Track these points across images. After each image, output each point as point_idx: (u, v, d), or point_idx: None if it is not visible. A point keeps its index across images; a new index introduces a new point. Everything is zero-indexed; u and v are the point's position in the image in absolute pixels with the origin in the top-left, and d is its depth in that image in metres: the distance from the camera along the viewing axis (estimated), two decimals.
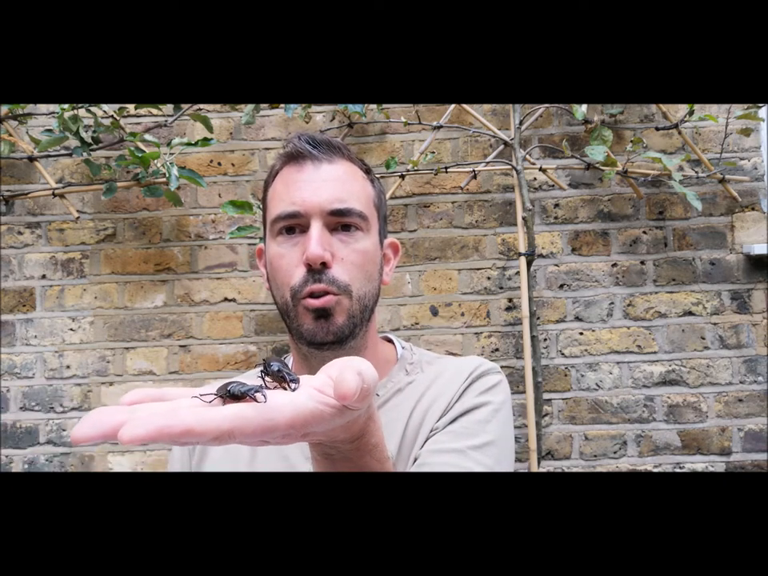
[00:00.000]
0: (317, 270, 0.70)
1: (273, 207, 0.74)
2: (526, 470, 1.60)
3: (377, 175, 0.81)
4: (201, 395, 0.40)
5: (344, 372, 0.39)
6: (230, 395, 0.38)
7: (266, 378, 0.42)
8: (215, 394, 0.39)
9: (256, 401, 0.37)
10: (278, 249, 0.73)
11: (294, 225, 0.72)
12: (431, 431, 0.71)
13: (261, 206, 0.81)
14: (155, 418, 0.33)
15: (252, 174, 1.74)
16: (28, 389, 1.71)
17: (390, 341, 0.84)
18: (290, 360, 0.83)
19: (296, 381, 0.40)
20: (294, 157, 0.73)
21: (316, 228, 0.70)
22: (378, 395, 0.64)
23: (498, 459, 0.69)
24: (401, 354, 0.81)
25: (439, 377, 0.76)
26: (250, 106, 1.62)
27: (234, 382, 0.39)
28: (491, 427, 0.71)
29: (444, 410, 0.72)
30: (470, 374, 0.74)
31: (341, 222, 0.72)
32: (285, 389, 0.40)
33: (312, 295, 0.70)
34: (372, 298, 0.75)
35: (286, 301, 0.73)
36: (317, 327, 0.71)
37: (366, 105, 1.62)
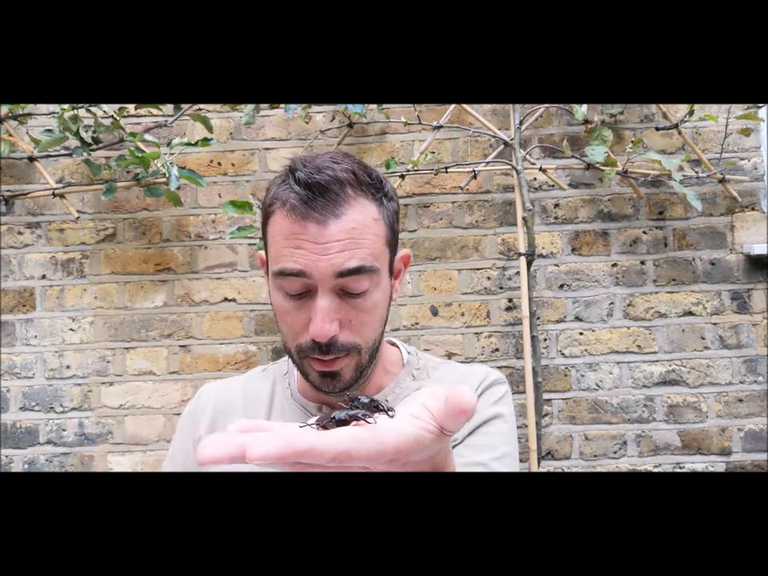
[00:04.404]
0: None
1: (274, 254, 0.67)
2: (526, 470, 1.60)
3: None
4: (305, 425, 0.41)
5: (455, 387, 0.39)
6: (336, 422, 0.40)
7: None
8: (318, 424, 0.41)
9: (367, 422, 0.38)
10: (283, 302, 0.67)
11: (300, 287, 0.65)
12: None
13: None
14: (279, 436, 0.34)
15: (252, 174, 1.74)
16: (28, 389, 1.71)
17: (393, 344, 0.83)
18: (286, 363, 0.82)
19: (392, 409, 0.41)
20: (295, 210, 0.64)
21: (322, 299, 0.64)
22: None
23: (513, 468, 0.72)
24: (407, 359, 0.80)
25: (447, 384, 0.75)
26: (250, 106, 1.62)
27: (335, 411, 0.41)
28: (507, 438, 0.73)
29: None
30: (479, 384, 0.75)
31: (350, 284, 0.65)
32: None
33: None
34: (381, 333, 0.71)
35: (289, 349, 0.70)
36: (323, 383, 0.69)
37: (366, 105, 1.62)
